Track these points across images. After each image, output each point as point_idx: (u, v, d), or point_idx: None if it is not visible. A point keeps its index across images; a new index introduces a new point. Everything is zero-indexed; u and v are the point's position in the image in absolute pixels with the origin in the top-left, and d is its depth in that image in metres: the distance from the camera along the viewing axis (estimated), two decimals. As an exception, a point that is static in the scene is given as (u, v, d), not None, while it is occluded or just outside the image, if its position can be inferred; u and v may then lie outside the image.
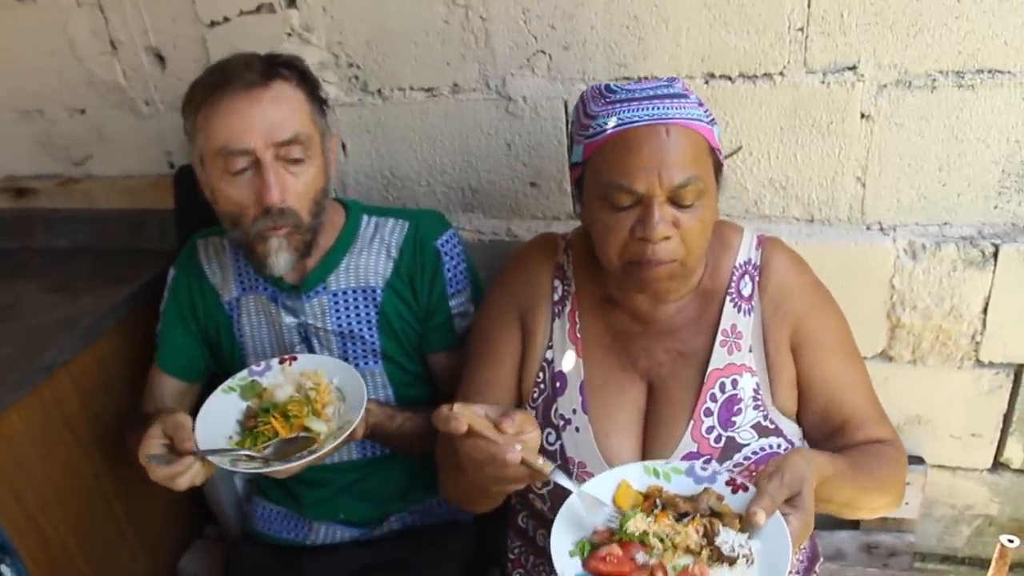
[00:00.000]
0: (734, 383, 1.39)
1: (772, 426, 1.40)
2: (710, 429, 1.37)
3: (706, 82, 1.68)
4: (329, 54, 1.86)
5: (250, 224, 1.52)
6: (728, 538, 1.09)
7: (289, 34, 1.87)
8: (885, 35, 1.56)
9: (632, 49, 1.68)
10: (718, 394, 1.39)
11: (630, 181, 1.26)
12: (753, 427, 1.38)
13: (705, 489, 1.17)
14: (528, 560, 1.61)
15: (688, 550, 1.09)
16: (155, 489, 1.67)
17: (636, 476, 1.22)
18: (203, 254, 1.75)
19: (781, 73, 1.64)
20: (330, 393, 1.51)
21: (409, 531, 1.80)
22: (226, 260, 1.73)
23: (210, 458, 1.39)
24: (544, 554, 1.55)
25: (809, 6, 1.57)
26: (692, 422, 1.38)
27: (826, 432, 1.45)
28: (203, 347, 1.77)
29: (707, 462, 1.32)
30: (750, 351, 1.41)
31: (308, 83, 1.57)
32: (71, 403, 1.83)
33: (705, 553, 1.09)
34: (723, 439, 1.37)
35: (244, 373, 1.54)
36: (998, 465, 1.89)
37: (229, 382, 1.53)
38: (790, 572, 1.54)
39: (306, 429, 1.44)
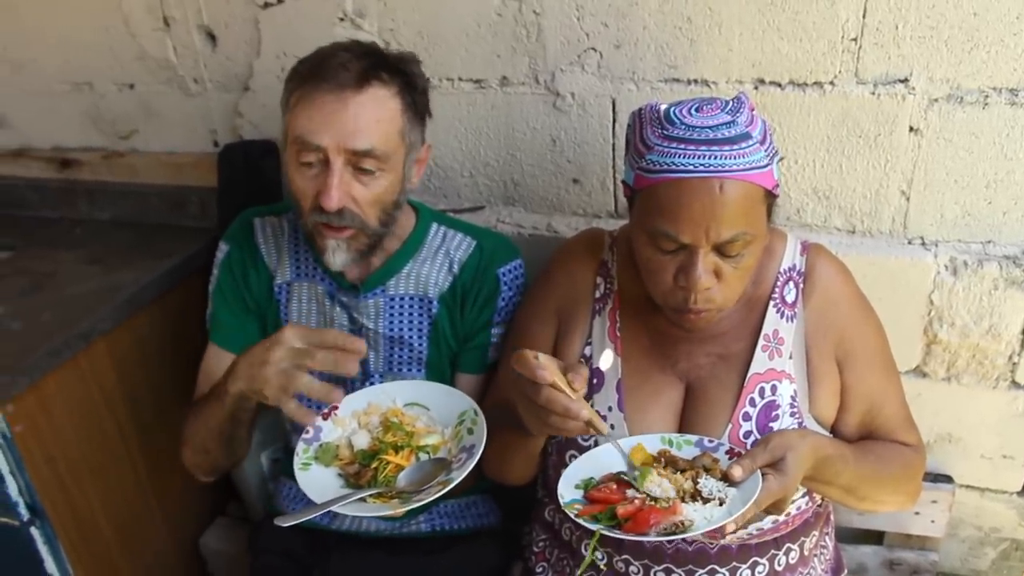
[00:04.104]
0: (773, 389, 1.39)
1: None
2: (748, 434, 1.38)
3: (755, 88, 1.67)
4: (380, 41, 1.86)
5: (307, 215, 1.51)
6: (708, 484, 1.24)
7: (341, 18, 1.88)
8: (939, 49, 1.55)
9: (683, 51, 1.68)
10: (757, 399, 1.39)
11: (676, 231, 1.25)
12: (786, 428, 1.38)
13: (704, 453, 1.31)
14: (552, 554, 1.61)
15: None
16: (179, 463, 1.70)
17: (651, 442, 1.36)
18: (259, 232, 1.73)
19: (832, 82, 1.63)
20: (406, 412, 1.47)
21: (437, 534, 1.79)
22: (283, 242, 1.72)
23: (344, 508, 1.31)
24: (569, 548, 1.56)
25: (864, 16, 1.56)
26: (730, 425, 1.38)
27: (856, 439, 1.48)
28: (259, 322, 1.74)
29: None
30: (790, 358, 1.41)
31: (411, 91, 1.53)
32: (107, 373, 1.86)
33: (687, 493, 1.24)
34: None
35: (303, 445, 1.43)
36: (1028, 489, 1.88)
37: (300, 459, 1.41)
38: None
39: (420, 449, 1.40)
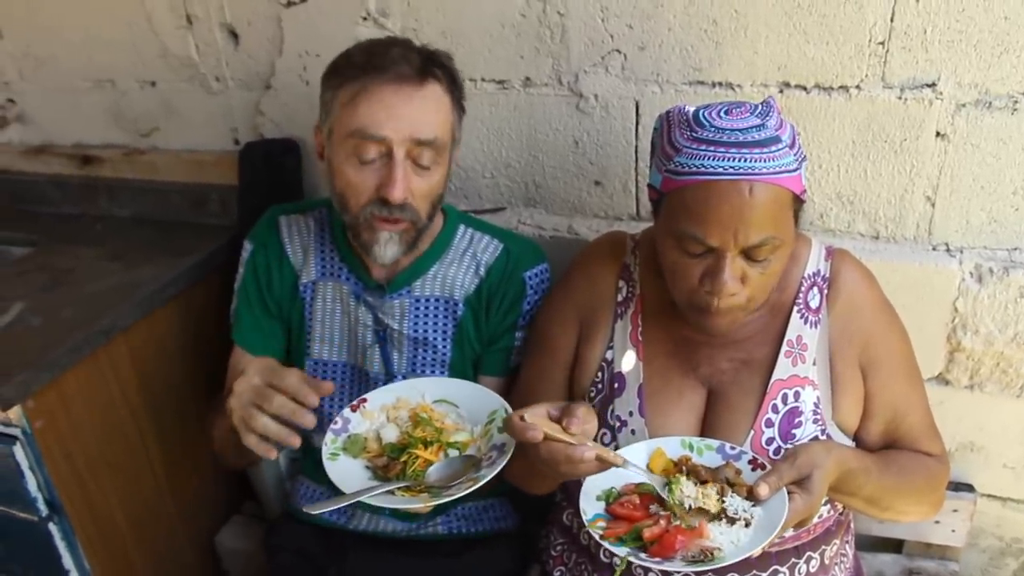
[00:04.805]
0: (796, 395, 1.38)
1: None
2: (770, 440, 1.37)
3: (780, 91, 1.66)
4: (403, 41, 1.87)
5: (360, 208, 1.50)
6: (734, 503, 1.21)
7: (364, 18, 1.88)
8: (968, 53, 1.53)
9: (708, 54, 1.67)
10: (780, 405, 1.38)
11: (704, 234, 1.24)
12: (810, 442, 1.36)
13: (727, 463, 1.29)
14: (570, 558, 1.61)
15: (700, 511, 1.23)
16: (196, 461, 1.70)
17: (671, 446, 1.34)
18: (285, 231, 1.73)
19: (858, 86, 1.62)
20: (435, 408, 1.47)
21: (454, 537, 1.78)
22: (308, 240, 1.72)
23: (373, 499, 1.30)
24: (587, 553, 1.55)
25: (892, 20, 1.55)
26: (752, 432, 1.37)
27: (879, 447, 1.46)
28: (280, 324, 1.75)
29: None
30: (814, 364, 1.40)
31: (456, 88, 1.55)
32: (126, 370, 1.86)
33: (713, 511, 1.22)
34: (782, 452, 1.35)
35: (331, 435, 1.42)
36: (1051, 500, 1.85)
37: (328, 449, 1.40)
38: None
39: (449, 445, 1.39)
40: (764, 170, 1.21)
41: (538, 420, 1.19)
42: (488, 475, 1.29)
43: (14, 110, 2.44)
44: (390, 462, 1.38)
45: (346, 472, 1.37)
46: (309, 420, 1.33)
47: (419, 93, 1.46)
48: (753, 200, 1.21)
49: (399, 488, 1.33)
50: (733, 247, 1.24)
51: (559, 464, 1.19)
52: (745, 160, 1.21)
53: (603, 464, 1.20)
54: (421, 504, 1.30)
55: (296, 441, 1.34)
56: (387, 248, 1.53)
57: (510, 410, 1.39)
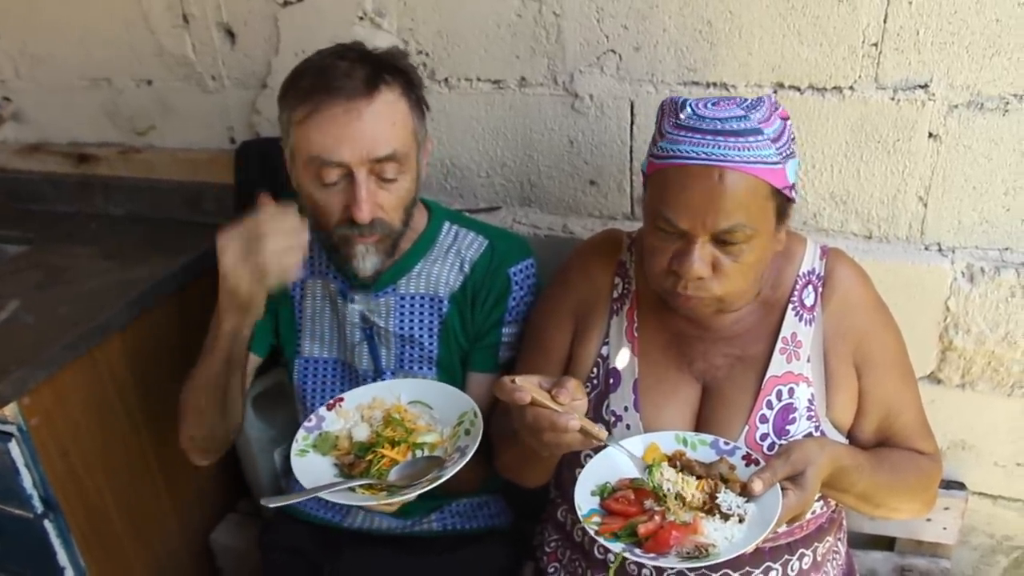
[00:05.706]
0: (791, 392, 1.39)
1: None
2: (764, 436, 1.38)
3: (774, 92, 1.67)
4: (399, 40, 1.87)
5: (333, 228, 1.51)
6: (727, 499, 1.22)
7: (361, 17, 1.88)
8: (960, 55, 1.54)
9: (703, 54, 1.68)
10: (774, 401, 1.39)
11: (675, 217, 1.26)
12: (804, 438, 1.38)
13: (721, 458, 1.30)
14: (564, 555, 1.61)
15: (692, 507, 1.23)
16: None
17: (666, 441, 1.35)
18: None
19: (851, 87, 1.63)
20: (409, 409, 1.49)
21: (449, 534, 1.79)
22: None
23: (332, 496, 1.33)
24: (581, 549, 1.56)
25: (885, 22, 1.56)
26: (747, 427, 1.38)
27: (873, 445, 1.48)
28: (272, 320, 1.75)
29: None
30: (808, 361, 1.41)
31: (413, 88, 1.52)
32: (121, 368, 1.87)
33: (705, 507, 1.23)
34: (776, 448, 1.36)
35: (303, 432, 1.46)
36: (1041, 497, 1.87)
37: (298, 445, 1.43)
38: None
39: (416, 446, 1.41)
40: (737, 158, 1.23)
41: (528, 385, 1.20)
42: (444, 476, 1.31)
43: (10, 108, 2.44)
44: (356, 460, 1.40)
45: (312, 468, 1.40)
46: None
47: (370, 109, 1.43)
48: (723, 186, 1.23)
49: (360, 486, 1.35)
50: (702, 231, 1.26)
51: (543, 432, 1.20)
52: (719, 147, 1.23)
53: (587, 438, 1.22)
54: (376, 502, 1.32)
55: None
56: (365, 261, 1.55)
57: (479, 414, 1.42)
